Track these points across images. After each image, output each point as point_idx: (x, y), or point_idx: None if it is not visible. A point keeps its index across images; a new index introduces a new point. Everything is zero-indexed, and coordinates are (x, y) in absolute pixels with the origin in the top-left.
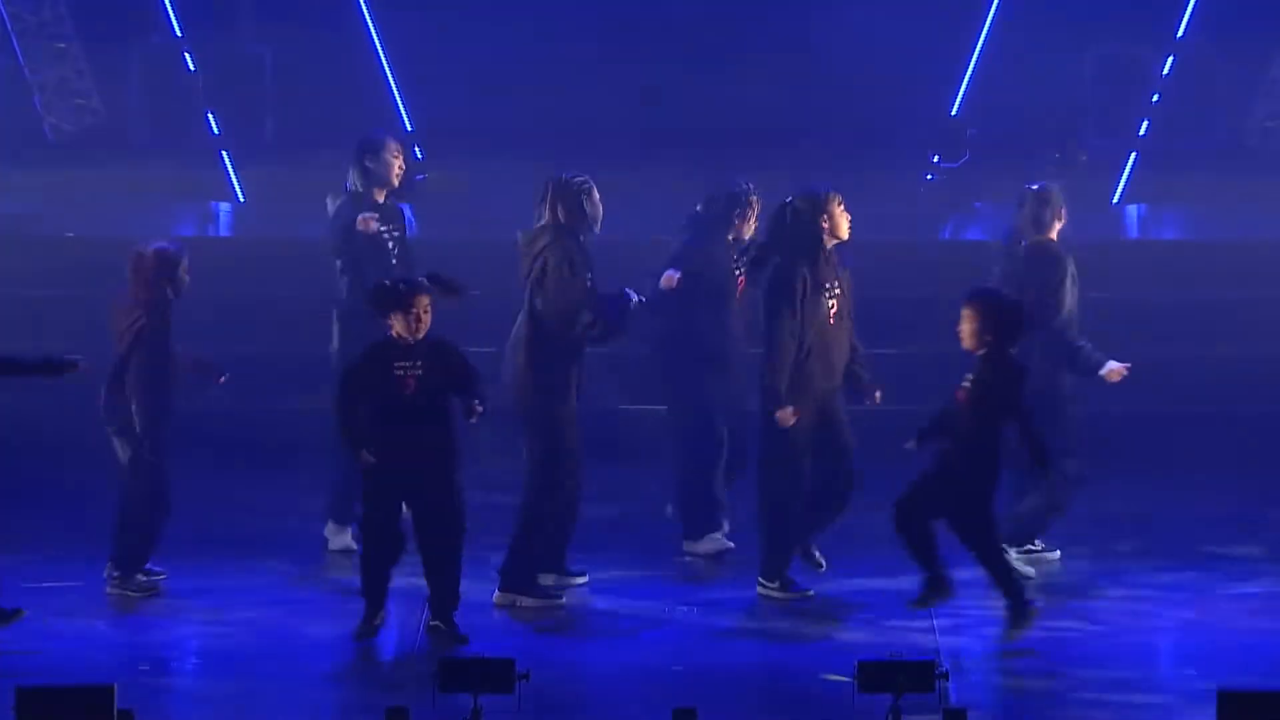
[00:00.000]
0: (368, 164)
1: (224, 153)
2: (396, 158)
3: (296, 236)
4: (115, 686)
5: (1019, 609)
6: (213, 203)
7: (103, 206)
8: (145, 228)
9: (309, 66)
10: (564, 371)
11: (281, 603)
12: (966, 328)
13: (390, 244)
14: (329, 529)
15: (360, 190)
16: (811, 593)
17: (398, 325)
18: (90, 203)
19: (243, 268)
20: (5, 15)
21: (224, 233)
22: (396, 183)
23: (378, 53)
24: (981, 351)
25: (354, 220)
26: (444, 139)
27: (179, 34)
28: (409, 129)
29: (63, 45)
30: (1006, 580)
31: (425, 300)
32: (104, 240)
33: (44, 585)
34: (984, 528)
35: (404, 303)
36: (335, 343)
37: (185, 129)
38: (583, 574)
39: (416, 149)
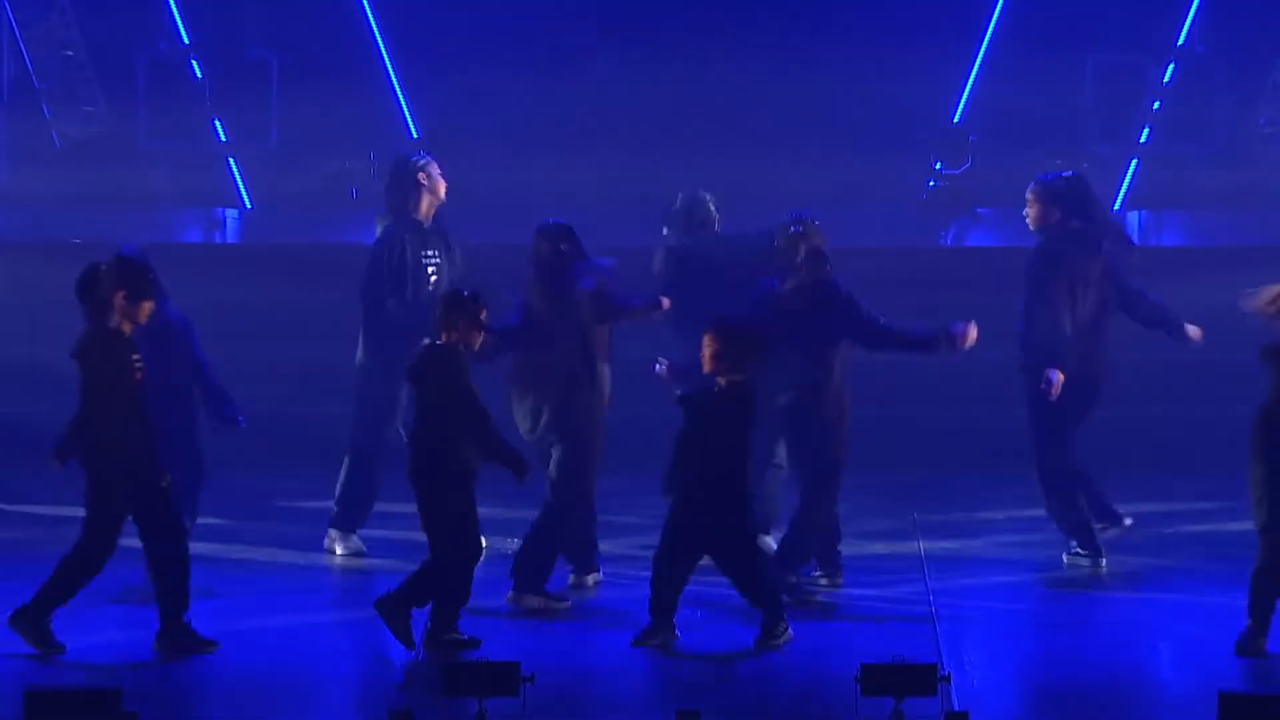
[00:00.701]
0: (421, 181)
1: (231, 159)
2: (438, 172)
3: (303, 242)
4: (121, 689)
5: (771, 628)
6: (220, 209)
7: (110, 213)
8: (152, 233)
9: (315, 72)
10: (601, 364)
11: (287, 605)
12: (706, 353)
13: (431, 270)
14: (332, 537)
15: (409, 212)
16: (816, 597)
17: (465, 333)
18: (97, 209)
19: (250, 273)
20: (14, 23)
21: (231, 239)
22: (443, 196)
23: (383, 58)
24: (721, 379)
25: (411, 250)
26: (448, 144)
27: (186, 41)
28: (414, 135)
29: (70, 53)
30: (768, 600)
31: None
32: (112, 247)
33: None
34: (744, 550)
35: (481, 310)
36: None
37: (192, 135)
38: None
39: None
